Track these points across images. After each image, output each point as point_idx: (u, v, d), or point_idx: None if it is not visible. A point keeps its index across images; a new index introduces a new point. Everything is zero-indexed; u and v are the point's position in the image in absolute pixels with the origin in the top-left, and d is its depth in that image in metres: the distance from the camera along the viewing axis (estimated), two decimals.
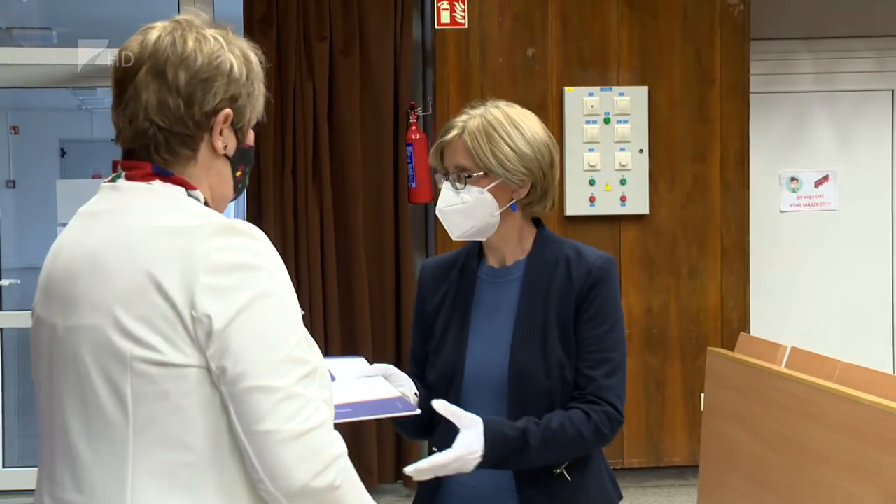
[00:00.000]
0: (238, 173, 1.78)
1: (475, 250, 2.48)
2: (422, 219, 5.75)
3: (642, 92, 5.52)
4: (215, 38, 1.70)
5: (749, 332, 5.44)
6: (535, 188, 2.37)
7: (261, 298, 1.58)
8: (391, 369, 2.32)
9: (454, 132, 2.36)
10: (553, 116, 5.45)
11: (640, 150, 5.53)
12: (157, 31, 1.69)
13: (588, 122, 5.49)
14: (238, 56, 1.72)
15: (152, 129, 1.67)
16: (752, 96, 5.68)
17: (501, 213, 2.37)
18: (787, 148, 6.29)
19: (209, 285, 1.56)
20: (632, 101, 5.50)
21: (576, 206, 5.48)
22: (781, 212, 6.29)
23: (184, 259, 1.57)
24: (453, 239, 2.44)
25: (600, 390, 2.30)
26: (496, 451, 2.22)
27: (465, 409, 2.25)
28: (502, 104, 2.40)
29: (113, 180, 1.71)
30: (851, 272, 6.32)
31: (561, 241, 2.43)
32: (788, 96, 6.25)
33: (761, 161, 6.09)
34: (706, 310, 5.61)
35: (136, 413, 1.57)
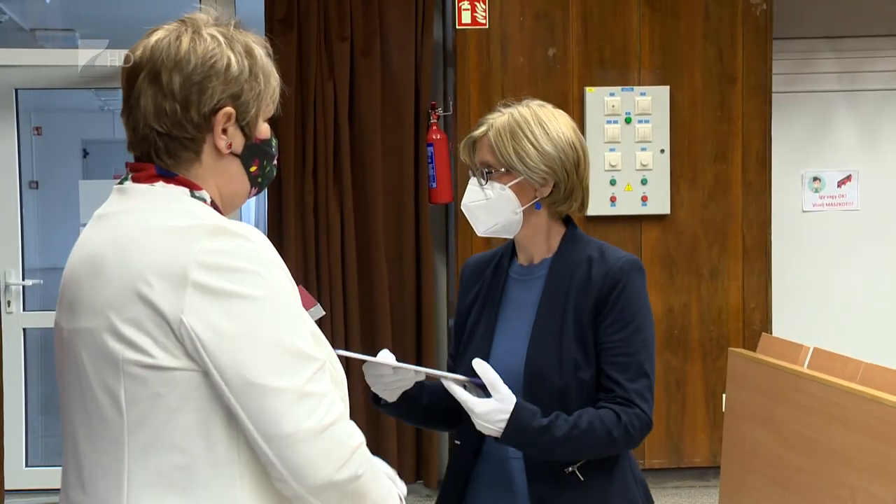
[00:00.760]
0: (253, 168, 1.74)
1: (510, 248, 2.50)
2: (442, 219, 5.75)
3: (663, 92, 5.51)
4: (212, 37, 1.67)
5: (771, 333, 5.42)
6: (557, 188, 2.38)
7: (252, 301, 1.56)
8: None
9: (483, 128, 2.40)
10: (574, 116, 5.37)
11: (662, 150, 5.51)
12: (159, 33, 1.69)
13: (609, 122, 5.48)
14: (239, 52, 1.69)
15: (152, 135, 1.66)
16: (774, 96, 5.65)
17: (525, 211, 2.38)
18: (810, 147, 6.25)
19: (199, 287, 1.54)
20: (653, 100, 5.49)
21: (597, 206, 5.47)
22: (804, 212, 6.25)
23: (173, 261, 1.56)
24: (478, 234, 2.46)
25: (628, 394, 2.29)
26: (519, 427, 2.20)
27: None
28: (534, 103, 2.42)
29: (121, 182, 1.71)
30: (874, 272, 6.28)
31: (588, 241, 2.42)
32: (811, 95, 6.22)
33: (783, 161, 6.06)
34: (727, 310, 5.59)
35: (129, 415, 1.57)
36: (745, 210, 5.59)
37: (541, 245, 2.43)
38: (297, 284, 1.69)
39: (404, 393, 2.34)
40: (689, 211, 5.57)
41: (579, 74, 5.50)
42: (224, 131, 1.69)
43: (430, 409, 2.44)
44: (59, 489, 1.75)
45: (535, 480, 2.34)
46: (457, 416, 2.40)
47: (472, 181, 2.42)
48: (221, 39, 1.68)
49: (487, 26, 5.45)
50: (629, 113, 5.48)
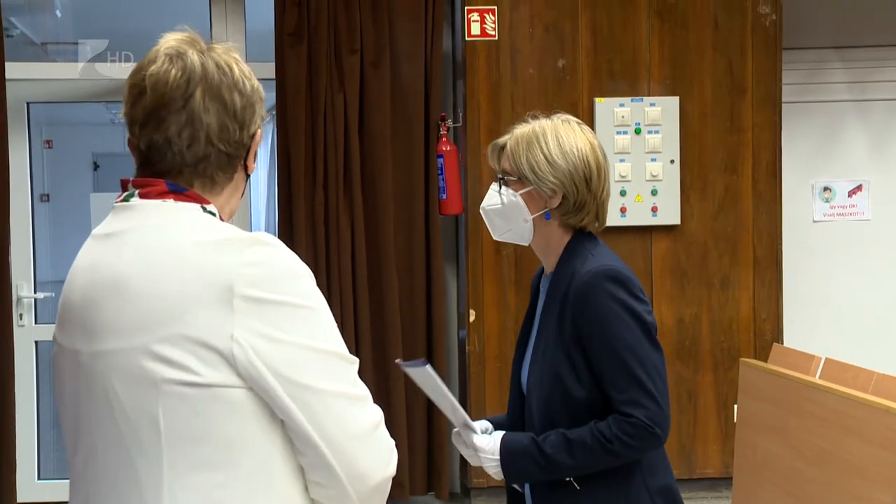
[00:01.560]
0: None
1: None
2: (452, 231, 5.75)
3: (673, 102, 5.50)
4: (236, 60, 1.71)
5: (782, 343, 5.40)
6: (567, 200, 2.42)
7: (301, 309, 1.58)
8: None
9: (506, 137, 2.50)
10: None
11: (672, 161, 5.50)
12: (191, 54, 1.65)
13: (619, 133, 5.48)
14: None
15: (213, 153, 1.65)
16: (784, 106, 5.64)
17: (536, 221, 2.44)
18: (820, 157, 6.24)
19: (248, 300, 1.54)
20: (663, 111, 5.49)
21: (607, 216, 5.45)
22: (814, 221, 6.24)
23: (215, 276, 1.55)
24: (494, 238, 2.55)
25: (622, 405, 2.32)
26: (514, 462, 2.36)
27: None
28: (560, 117, 2.48)
29: (126, 199, 1.67)
30: (886, 282, 6.26)
31: (580, 253, 2.43)
32: (821, 105, 6.21)
33: (794, 171, 6.05)
34: (738, 321, 5.57)
35: (168, 435, 1.55)
36: (756, 220, 5.58)
37: (551, 256, 2.48)
38: None
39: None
40: (699, 221, 5.56)
41: (589, 85, 5.50)
42: (254, 154, 1.73)
43: None
44: None
45: (534, 486, 2.45)
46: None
47: (493, 186, 2.51)
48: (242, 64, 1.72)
49: (497, 38, 5.46)
50: (639, 124, 5.48)
